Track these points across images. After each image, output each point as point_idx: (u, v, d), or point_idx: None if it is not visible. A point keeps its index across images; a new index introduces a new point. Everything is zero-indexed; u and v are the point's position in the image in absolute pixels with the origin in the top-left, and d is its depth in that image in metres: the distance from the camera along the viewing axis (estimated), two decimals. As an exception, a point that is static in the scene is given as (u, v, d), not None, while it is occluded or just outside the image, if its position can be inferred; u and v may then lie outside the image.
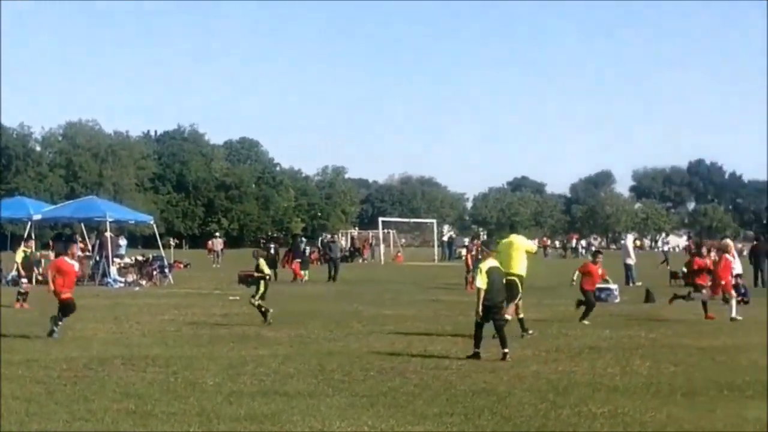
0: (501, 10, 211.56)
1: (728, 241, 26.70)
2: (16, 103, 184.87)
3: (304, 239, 54.92)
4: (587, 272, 21.33)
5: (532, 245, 19.12)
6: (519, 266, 17.90)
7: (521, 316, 17.88)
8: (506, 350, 14.57)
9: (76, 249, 20.93)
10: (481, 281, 14.79)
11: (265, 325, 19.23)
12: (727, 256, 22.62)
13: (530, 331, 17.74)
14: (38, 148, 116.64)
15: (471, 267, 31.45)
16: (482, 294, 14.73)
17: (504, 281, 15.56)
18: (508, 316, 16.51)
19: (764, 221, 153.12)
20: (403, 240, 76.66)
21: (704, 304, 21.81)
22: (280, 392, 11.62)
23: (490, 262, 15.14)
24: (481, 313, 14.73)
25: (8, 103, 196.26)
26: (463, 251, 76.04)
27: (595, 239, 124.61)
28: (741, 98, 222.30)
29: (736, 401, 11.15)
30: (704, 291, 22.11)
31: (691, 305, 22.53)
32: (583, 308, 20.73)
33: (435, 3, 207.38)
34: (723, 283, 21.96)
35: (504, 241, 18.79)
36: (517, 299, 17.60)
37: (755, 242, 39.64)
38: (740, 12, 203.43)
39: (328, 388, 11.92)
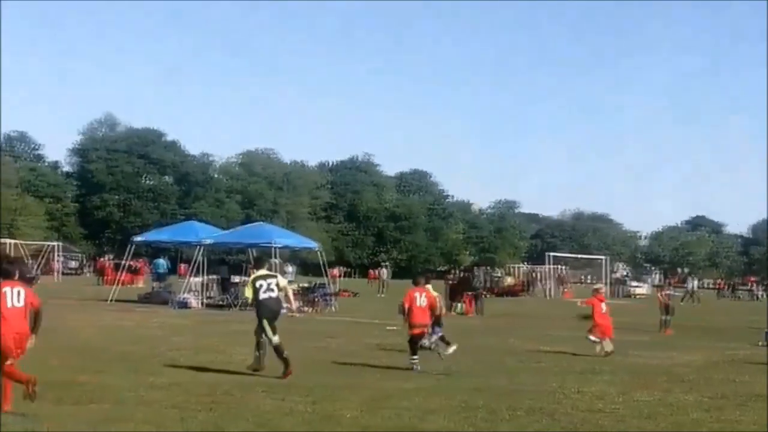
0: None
1: None
2: (199, 133, 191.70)
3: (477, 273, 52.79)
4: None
5: None
6: None
7: None
8: None
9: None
10: None
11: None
12: None
13: None
14: (217, 176, 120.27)
15: (668, 308, 30.23)
16: None
17: None
18: None
19: None
20: (563, 273, 74.83)
21: None
22: (417, 429, 11.12)
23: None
24: None
25: (192, 134, 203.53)
26: (640, 290, 74.68)
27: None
28: None
29: None
30: None
31: None
32: None
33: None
34: None
35: None
36: None
37: None
38: None
39: (469, 427, 11.35)
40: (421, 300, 17.56)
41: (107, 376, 14.69)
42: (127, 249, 43.87)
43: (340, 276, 71.10)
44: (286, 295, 16.39)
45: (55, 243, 75.55)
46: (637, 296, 69.58)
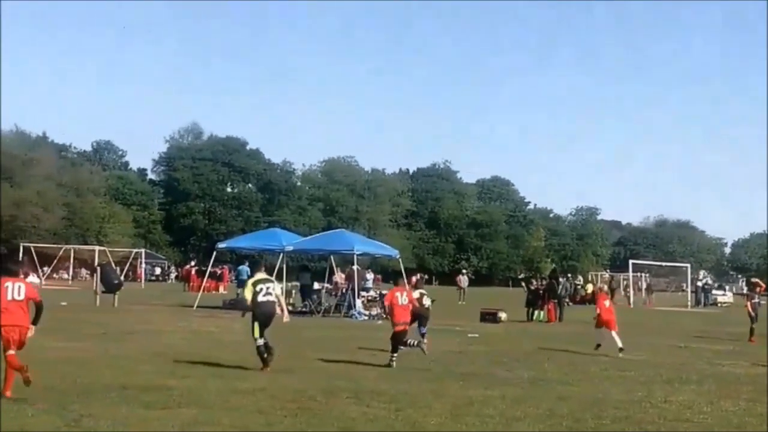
0: None
1: None
2: (281, 141, 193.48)
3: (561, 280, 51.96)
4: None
5: None
6: None
7: None
8: None
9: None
10: None
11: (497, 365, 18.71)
12: None
13: None
14: (299, 183, 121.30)
15: (754, 316, 29.55)
16: None
17: None
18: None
19: None
20: (644, 282, 73.78)
21: None
22: (502, 437, 11.12)
23: None
24: None
25: (274, 141, 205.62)
26: (724, 298, 73.12)
27: None
28: None
29: None
30: None
31: None
32: None
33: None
34: None
35: None
36: None
37: None
38: None
39: (554, 435, 11.30)
40: (402, 299, 18.66)
41: (194, 380, 14.90)
42: (212, 256, 44.49)
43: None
44: (279, 303, 17.36)
45: (141, 250, 76.97)
46: (722, 304, 68.29)
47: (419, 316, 21.97)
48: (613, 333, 22.79)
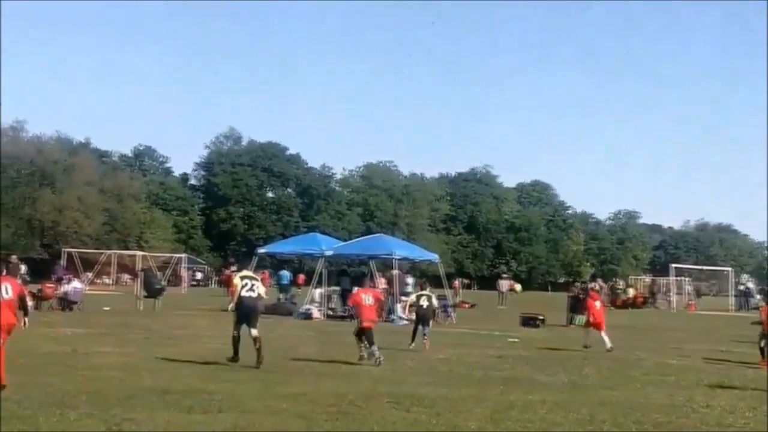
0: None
1: None
2: (320, 146, 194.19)
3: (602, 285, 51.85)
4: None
5: None
6: None
7: None
8: None
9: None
10: None
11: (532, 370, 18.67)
12: None
13: None
14: (338, 188, 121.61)
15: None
16: None
17: None
18: None
19: None
20: (689, 287, 73.15)
21: None
22: (542, 441, 11.10)
23: None
24: None
25: (313, 146, 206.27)
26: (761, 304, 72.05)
27: None
28: None
29: None
30: None
31: None
32: None
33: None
34: None
35: None
36: None
37: None
38: None
39: (595, 440, 11.26)
40: (367, 299, 19.53)
41: (234, 385, 14.98)
42: (251, 261, 44.64)
43: (460, 288, 70.89)
44: (260, 299, 18.61)
45: (182, 255, 77.48)
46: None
47: (420, 316, 23.32)
48: (603, 334, 24.02)
